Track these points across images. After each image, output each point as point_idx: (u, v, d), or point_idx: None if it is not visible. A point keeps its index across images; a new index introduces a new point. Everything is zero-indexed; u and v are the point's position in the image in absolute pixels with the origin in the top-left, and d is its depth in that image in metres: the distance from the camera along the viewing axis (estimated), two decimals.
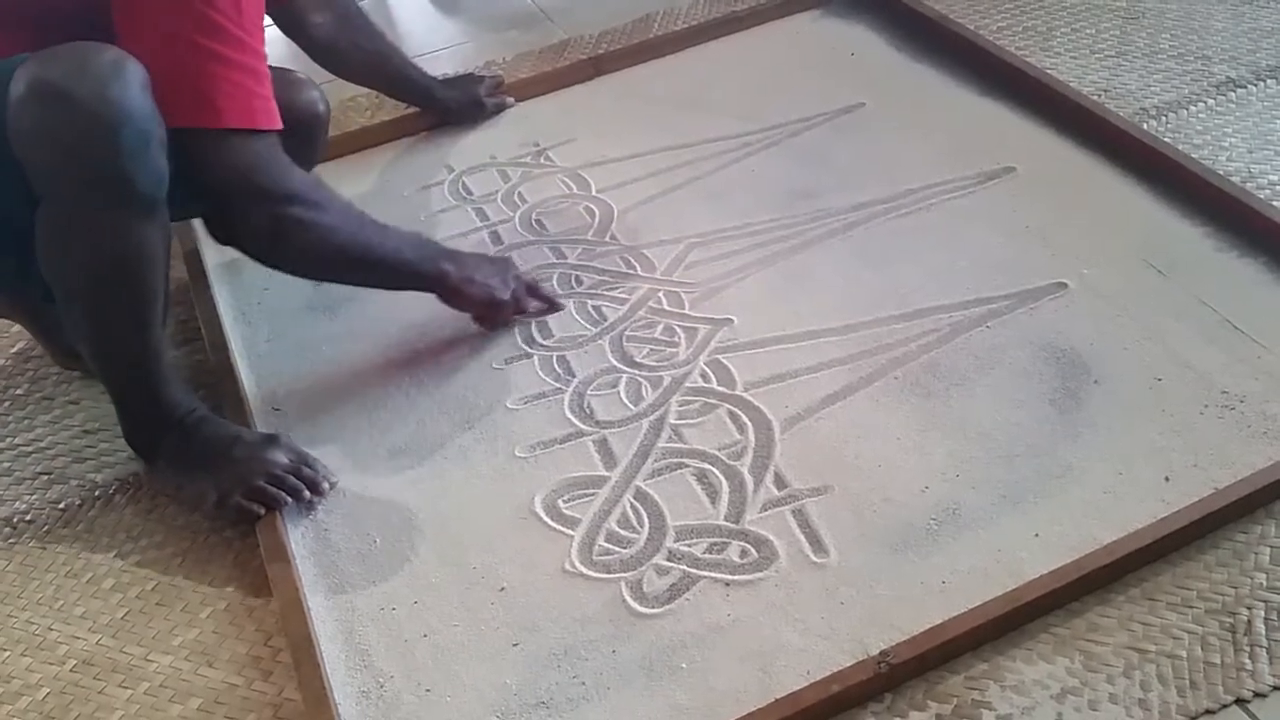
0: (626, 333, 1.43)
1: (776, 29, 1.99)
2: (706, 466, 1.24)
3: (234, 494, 1.23)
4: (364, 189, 1.73)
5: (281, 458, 1.25)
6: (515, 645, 1.11)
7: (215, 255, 1.64)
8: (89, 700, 1.12)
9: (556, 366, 1.39)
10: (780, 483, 1.22)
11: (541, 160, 1.76)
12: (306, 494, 1.25)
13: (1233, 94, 1.68)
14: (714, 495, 1.21)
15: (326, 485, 1.27)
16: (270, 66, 1.22)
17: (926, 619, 1.06)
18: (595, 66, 1.94)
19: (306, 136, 1.46)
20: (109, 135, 1.07)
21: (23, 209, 1.13)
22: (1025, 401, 1.26)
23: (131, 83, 1.09)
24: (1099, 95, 1.70)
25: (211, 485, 1.24)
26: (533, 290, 1.45)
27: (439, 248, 1.40)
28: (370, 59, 1.71)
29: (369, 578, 1.19)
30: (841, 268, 1.48)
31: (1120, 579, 1.09)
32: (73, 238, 1.13)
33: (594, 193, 1.67)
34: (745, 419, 1.29)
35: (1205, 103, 1.67)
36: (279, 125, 1.22)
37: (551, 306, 1.46)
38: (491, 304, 1.41)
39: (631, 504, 1.22)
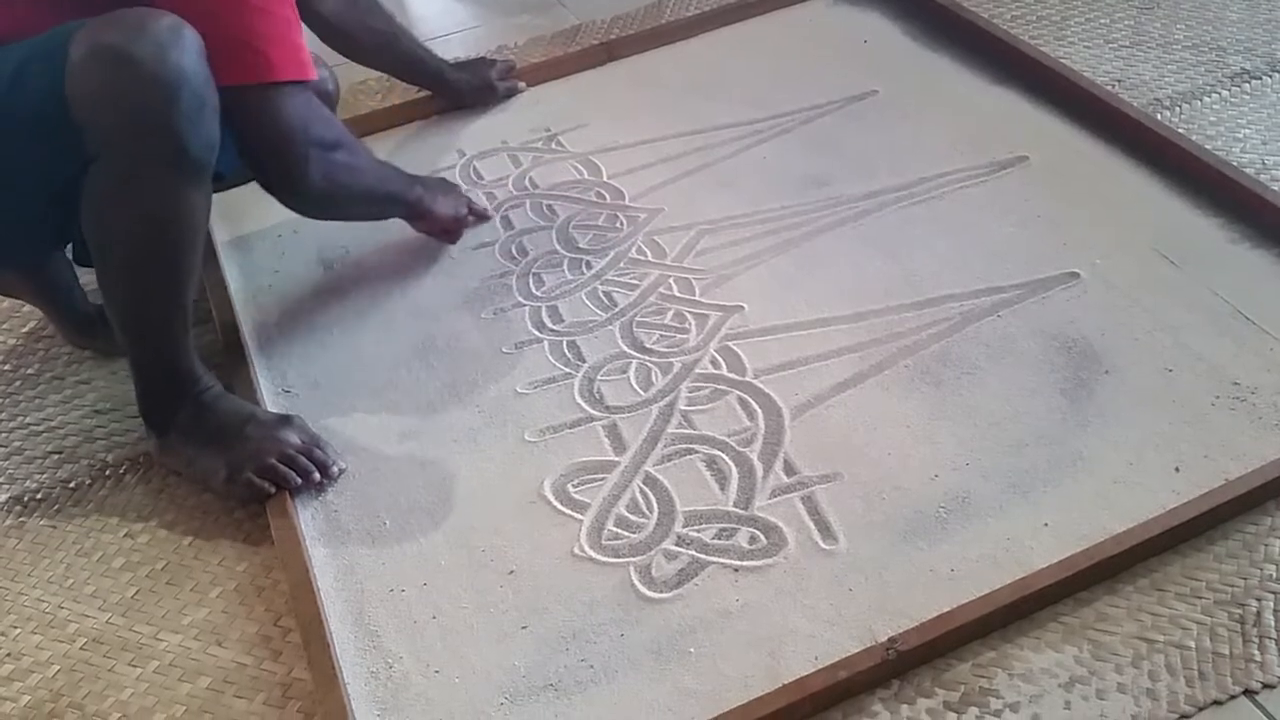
0: (637, 318, 1.43)
1: (789, 15, 1.98)
2: (716, 453, 1.24)
3: (245, 470, 1.23)
4: None
5: (294, 438, 1.26)
6: (524, 628, 1.11)
7: (225, 235, 1.64)
8: (99, 678, 1.13)
9: (567, 351, 1.39)
10: (790, 469, 1.22)
11: (553, 145, 1.75)
12: (316, 476, 1.25)
13: (1247, 85, 1.68)
14: (723, 481, 1.21)
15: (336, 469, 1.27)
16: None
17: (935, 606, 1.06)
18: (607, 52, 1.93)
19: None
20: (168, 97, 1.10)
21: (64, 174, 1.14)
22: (1036, 391, 1.26)
23: (190, 48, 1.11)
24: (1113, 85, 1.70)
25: (222, 461, 1.24)
26: (470, 208, 1.60)
27: (405, 174, 1.51)
28: (380, 40, 1.70)
29: (378, 559, 1.19)
30: (853, 256, 1.47)
31: (1129, 569, 1.09)
32: (123, 197, 1.15)
33: (605, 178, 1.67)
34: (755, 406, 1.29)
35: (1220, 94, 1.67)
36: (315, 74, 1.27)
37: (484, 218, 1.62)
38: (456, 220, 1.56)
39: (641, 489, 1.22)
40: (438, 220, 1.53)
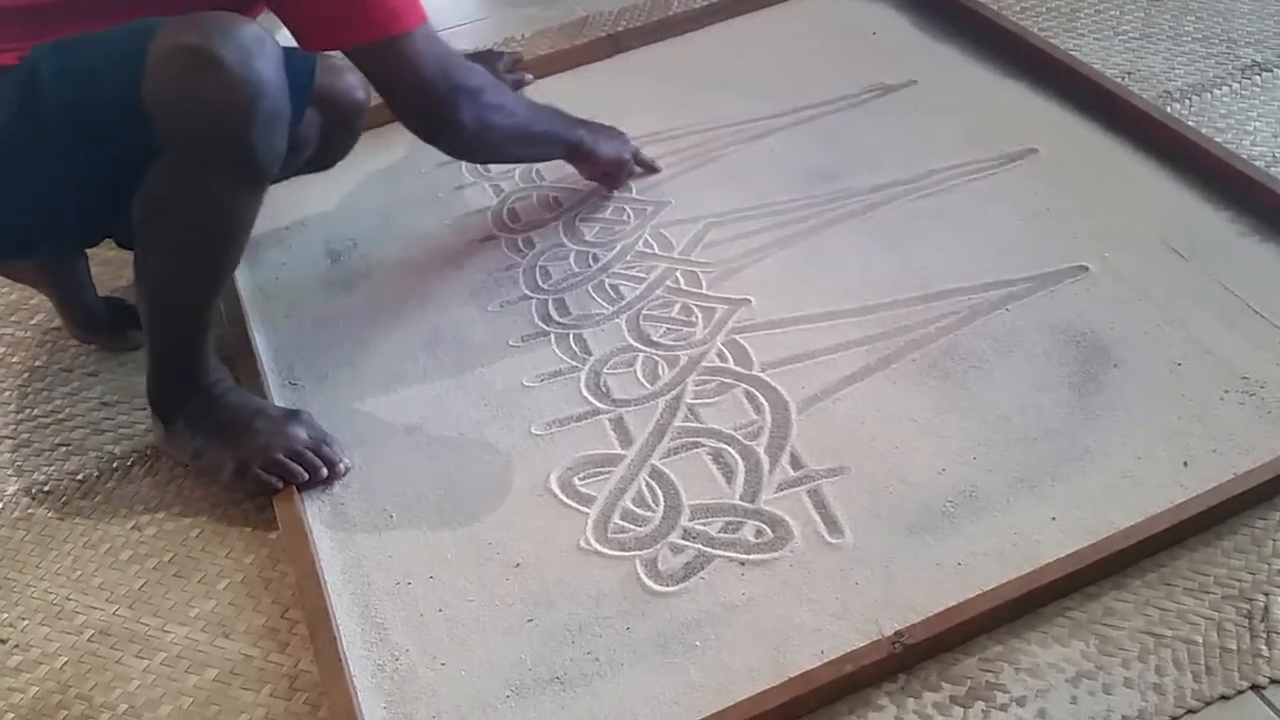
0: (644, 311, 1.42)
1: (797, 8, 1.97)
2: (722, 446, 1.24)
3: (253, 465, 1.24)
4: (382, 165, 1.73)
5: (302, 434, 1.26)
6: (530, 621, 1.11)
7: None
8: (106, 670, 1.13)
9: (573, 344, 1.39)
10: (796, 463, 1.21)
11: None
12: (324, 473, 1.25)
13: (1258, 77, 1.67)
14: (730, 475, 1.21)
15: (343, 466, 1.27)
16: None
17: (941, 600, 1.06)
18: (614, 44, 1.93)
19: (344, 123, 1.45)
20: (246, 106, 1.10)
21: (128, 165, 1.14)
22: (1044, 385, 1.26)
23: (272, 58, 1.12)
24: (1122, 77, 1.69)
25: (230, 455, 1.25)
26: (636, 156, 1.62)
27: (568, 116, 1.52)
28: None
29: (385, 552, 1.19)
30: (861, 249, 1.47)
31: (1137, 563, 1.08)
32: (182, 194, 1.15)
33: None
34: (762, 399, 1.29)
35: (1230, 86, 1.66)
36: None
37: (652, 169, 1.63)
38: (618, 163, 1.58)
39: (647, 482, 1.22)
40: (600, 163, 1.56)
